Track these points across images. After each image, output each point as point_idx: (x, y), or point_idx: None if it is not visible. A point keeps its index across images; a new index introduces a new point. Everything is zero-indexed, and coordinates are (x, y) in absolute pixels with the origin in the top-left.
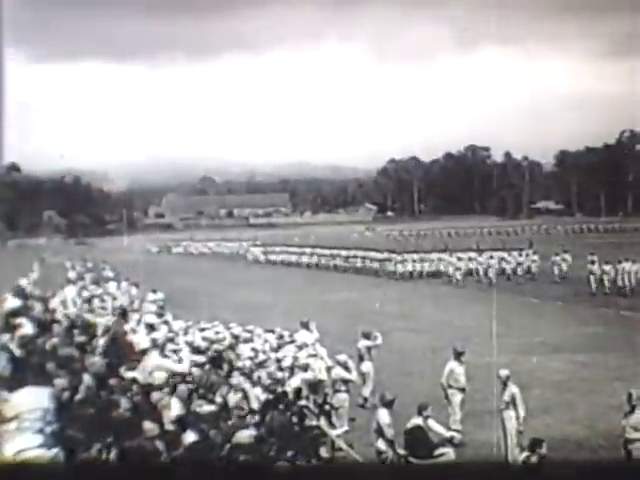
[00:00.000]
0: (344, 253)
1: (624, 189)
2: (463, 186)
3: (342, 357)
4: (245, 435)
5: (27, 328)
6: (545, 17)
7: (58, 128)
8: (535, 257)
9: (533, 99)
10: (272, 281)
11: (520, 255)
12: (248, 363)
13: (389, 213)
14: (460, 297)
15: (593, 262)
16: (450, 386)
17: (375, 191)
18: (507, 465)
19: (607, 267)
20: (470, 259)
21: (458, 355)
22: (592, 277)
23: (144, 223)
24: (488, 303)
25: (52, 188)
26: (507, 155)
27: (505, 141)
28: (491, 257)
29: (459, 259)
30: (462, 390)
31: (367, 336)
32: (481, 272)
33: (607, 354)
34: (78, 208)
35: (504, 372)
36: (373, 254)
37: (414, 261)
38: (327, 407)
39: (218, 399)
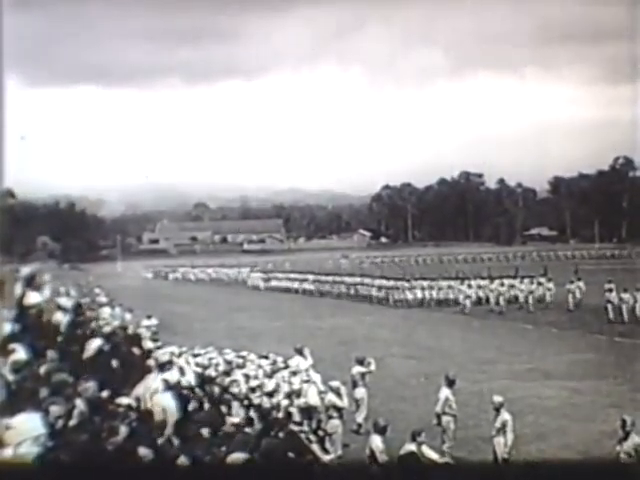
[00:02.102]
0: (348, 280)
1: (618, 216)
2: (457, 212)
3: (335, 383)
4: (238, 458)
5: (20, 354)
6: (540, 43)
7: (53, 153)
8: (550, 285)
9: (527, 125)
10: (273, 307)
11: (532, 283)
12: (242, 389)
13: (383, 239)
14: (454, 323)
15: (611, 290)
16: (445, 413)
17: (369, 217)
18: (507, 465)
19: (625, 295)
20: (480, 287)
21: (450, 383)
22: (609, 305)
23: (138, 249)
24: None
25: (47, 214)
26: (501, 182)
27: (499, 168)
28: (502, 285)
29: (469, 287)
30: (454, 416)
31: (361, 362)
32: (492, 300)
33: (601, 380)
34: (72, 234)
35: (497, 399)
36: (379, 281)
37: (423, 288)
38: (320, 433)
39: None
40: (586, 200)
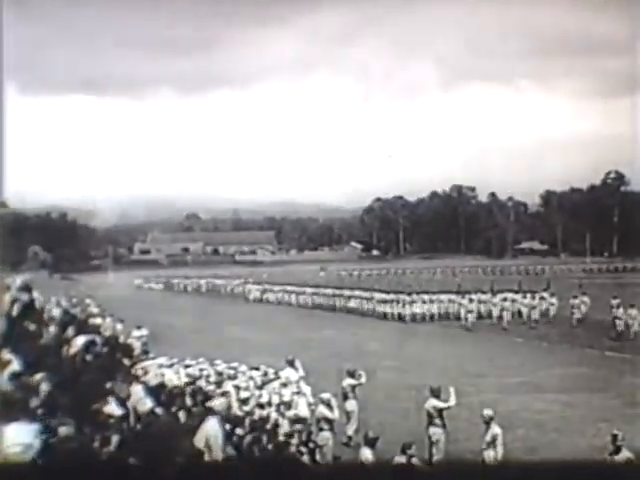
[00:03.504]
0: (347, 293)
1: (609, 230)
2: (449, 225)
3: (325, 395)
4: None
5: (15, 365)
6: (534, 56)
7: (44, 163)
8: (553, 300)
9: (519, 139)
10: (264, 319)
11: (534, 298)
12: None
13: (374, 252)
14: (446, 336)
15: (618, 306)
16: (433, 424)
17: (361, 230)
18: (505, 465)
19: (633, 311)
20: (480, 301)
21: (435, 393)
22: (617, 321)
23: (129, 259)
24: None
25: (38, 223)
26: (492, 195)
27: (490, 181)
28: (505, 299)
29: (471, 301)
30: (444, 428)
31: (352, 375)
32: (495, 315)
33: (592, 394)
34: (64, 244)
35: (488, 412)
36: (379, 295)
37: (424, 302)
38: (311, 445)
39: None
40: (577, 214)
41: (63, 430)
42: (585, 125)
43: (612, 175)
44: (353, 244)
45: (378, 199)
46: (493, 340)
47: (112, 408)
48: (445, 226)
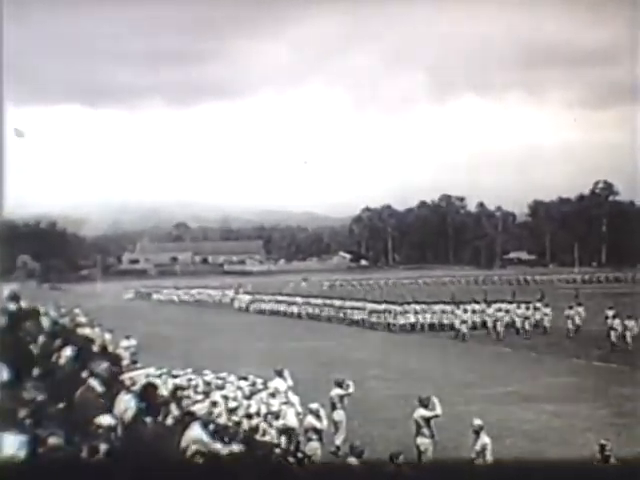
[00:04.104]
0: (337, 303)
1: (598, 240)
2: (437, 235)
3: (314, 405)
4: None
5: (3, 374)
6: (524, 67)
7: (34, 172)
8: (547, 310)
9: (508, 149)
10: (253, 329)
11: (528, 308)
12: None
13: (363, 262)
14: (434, 346)
15: (615, 316)
16: (421, 434)
17: (349, 239)
18: (505, 465)
19: (630, 322)
20: (474, 311)
21: (423, 403)
22: (613, 333)
23: (118, 269)
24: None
25: (27, 232)
26: (481, 205)
27: (480, 191)
28: (499, 310)
29: (465, 311)
30: (433, 438)
31: (340, 385)
32: (490, 325)
33: (579, 404)
34: (53, 253)
35: (477, 422)
36: (371, 305)
37: (416, 312)
38: (299, 454)
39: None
40: (566, 224)
41: (52, 440)
42: (575, 135)
43: (601, 185)
44: (342, 254)
45: (367, 209)
46: (483, 350)
47: (103, 418)
48: (434, 236)
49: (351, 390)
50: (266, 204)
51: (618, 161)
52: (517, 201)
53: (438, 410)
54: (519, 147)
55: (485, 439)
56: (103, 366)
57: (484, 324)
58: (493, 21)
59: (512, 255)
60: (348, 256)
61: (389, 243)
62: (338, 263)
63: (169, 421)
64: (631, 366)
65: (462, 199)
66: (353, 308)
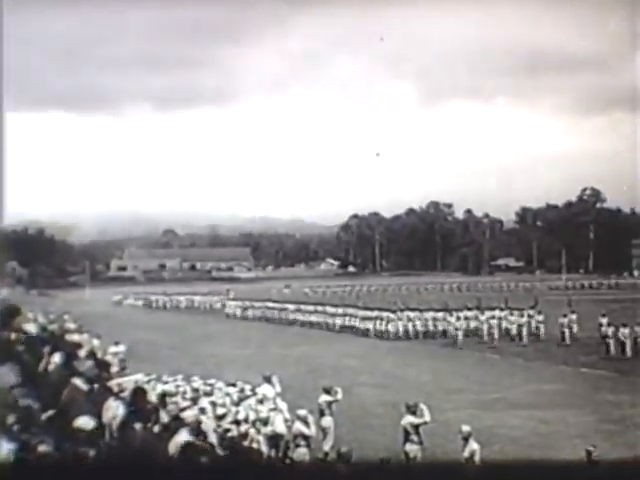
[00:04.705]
0: (330, 310)
1: (585, 246)
2: (425, 242)
3: (302, 412)
4: None
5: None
6: (512, 73)
7: (22, 179)
8: (540, 317)
9: (495, 156)
10: (242, 335)
11: (522, 315)
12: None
13: (351, 268)
14: (422, 352)
15: (609, 325)
16: (410, 441)
17: (337, 246)
18: (504, 465)
19: (626, 330)
20: (467, 318)
21: (411, 410)
22: (611, 341)
23: (106, 276)
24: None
25: (16, 239)
26: (469, 212)
27: (468, 197)
28: (493, 317)
29: (458, 318)
30: (421, 444)
31: (328, 391)
32: (484, 333)
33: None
34: (41, 260)
35: (466, 428)
36: (363, 312)
37: (409, 319)
38: (287, 461)
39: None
40: (553, 231)
41: (42, 448)
42: (563, 142)
43: (588, 192)
44: (329, 260)
45: (355, 215)
46: (468, 356)
47: (83, 421)
48: (421, 242)
49: (339, 396)
50: (254, 211)
51: (607, 168)
52: (505, 208)
53: (426, 417)
54: (507, 154)
55: (474, 445)
56: (87, 364)
57: (476, 331)
58: (480, 25)
59: (500, 262)
60: (336, 263)
61: (377, 250)
62: (326, 270)
63: (157, 428)
64: (621, 373)
65: (450, 206)
66: (345, 315)
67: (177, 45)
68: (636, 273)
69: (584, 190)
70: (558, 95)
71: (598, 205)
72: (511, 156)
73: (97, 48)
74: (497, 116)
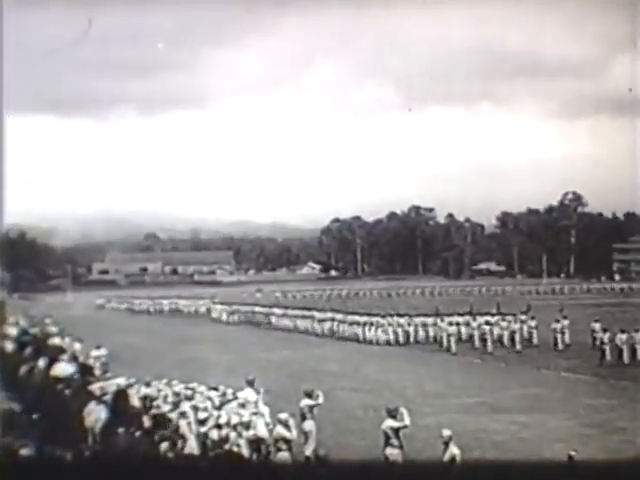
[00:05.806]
0: (318, 315)
1: (566, 251)
2: (406, 246)
3: (283, 416)
4: None
5: None
6: (492, 78)
7: (3, 182)
8: (533, 323)
9: (476, 160)
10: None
11: (515, 321)
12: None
13: (333, 272)
14: (403, 357)
15: (605, 330)
16: (390, 445)
17: (319, 250)
18: (505, 464)
19: (623, 336)
20: (458, 324)
21: (392, 414)
22: (606, 347)
23: (88, 279)
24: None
25: None
26: (450, 216)
27: (449, 202)
28: (487, 323)
29: (450, 324)
30: (401, 448)
31: (309, 395)
32: (477, 339)
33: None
34: (22, 263)
35: (446, 432)
36: (351, 317)
37: (399, 325)
38: (269, 465)
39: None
40: (534, 235)
41: (24, 451)
42: (544, 147)
43: (569, 196)
44: (311, 264)
45: (336, 219)
46: (450, 361)
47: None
48: (403, 246)
49: (320, 400)
50: (235, 215)
51: (588, 172)
52: (486, 212)
53: (406, 421)
54: (488, 158)
55: (454, 450)
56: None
57: (468, 338)
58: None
59: (481, 266)
60: (317, 267)
61: (358, 254)
62: (307, 274)
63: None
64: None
65: (431, 210)
66: (334, 320)
67: (160, 48)
68: (617, 277)
69: (565, 194)
70: (540, 100)
71: (579, 209)
72: (492, 161)
73: (81, 51)
74: (476, 121)
